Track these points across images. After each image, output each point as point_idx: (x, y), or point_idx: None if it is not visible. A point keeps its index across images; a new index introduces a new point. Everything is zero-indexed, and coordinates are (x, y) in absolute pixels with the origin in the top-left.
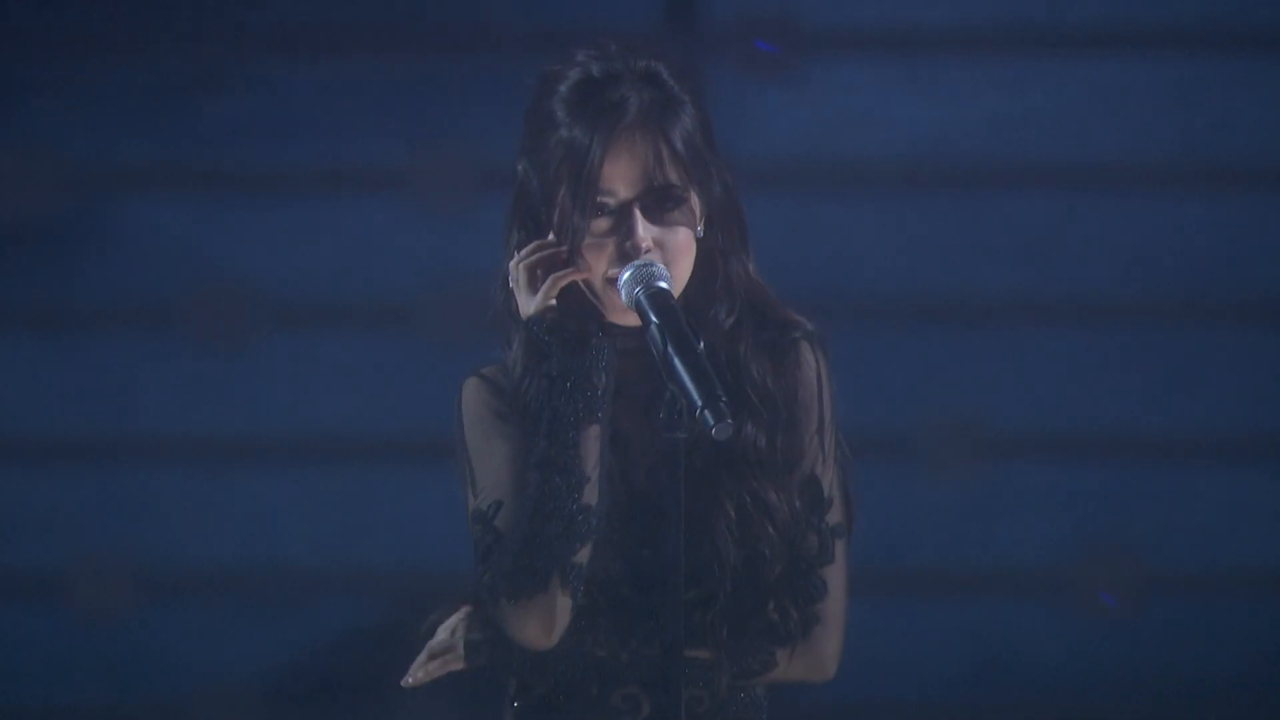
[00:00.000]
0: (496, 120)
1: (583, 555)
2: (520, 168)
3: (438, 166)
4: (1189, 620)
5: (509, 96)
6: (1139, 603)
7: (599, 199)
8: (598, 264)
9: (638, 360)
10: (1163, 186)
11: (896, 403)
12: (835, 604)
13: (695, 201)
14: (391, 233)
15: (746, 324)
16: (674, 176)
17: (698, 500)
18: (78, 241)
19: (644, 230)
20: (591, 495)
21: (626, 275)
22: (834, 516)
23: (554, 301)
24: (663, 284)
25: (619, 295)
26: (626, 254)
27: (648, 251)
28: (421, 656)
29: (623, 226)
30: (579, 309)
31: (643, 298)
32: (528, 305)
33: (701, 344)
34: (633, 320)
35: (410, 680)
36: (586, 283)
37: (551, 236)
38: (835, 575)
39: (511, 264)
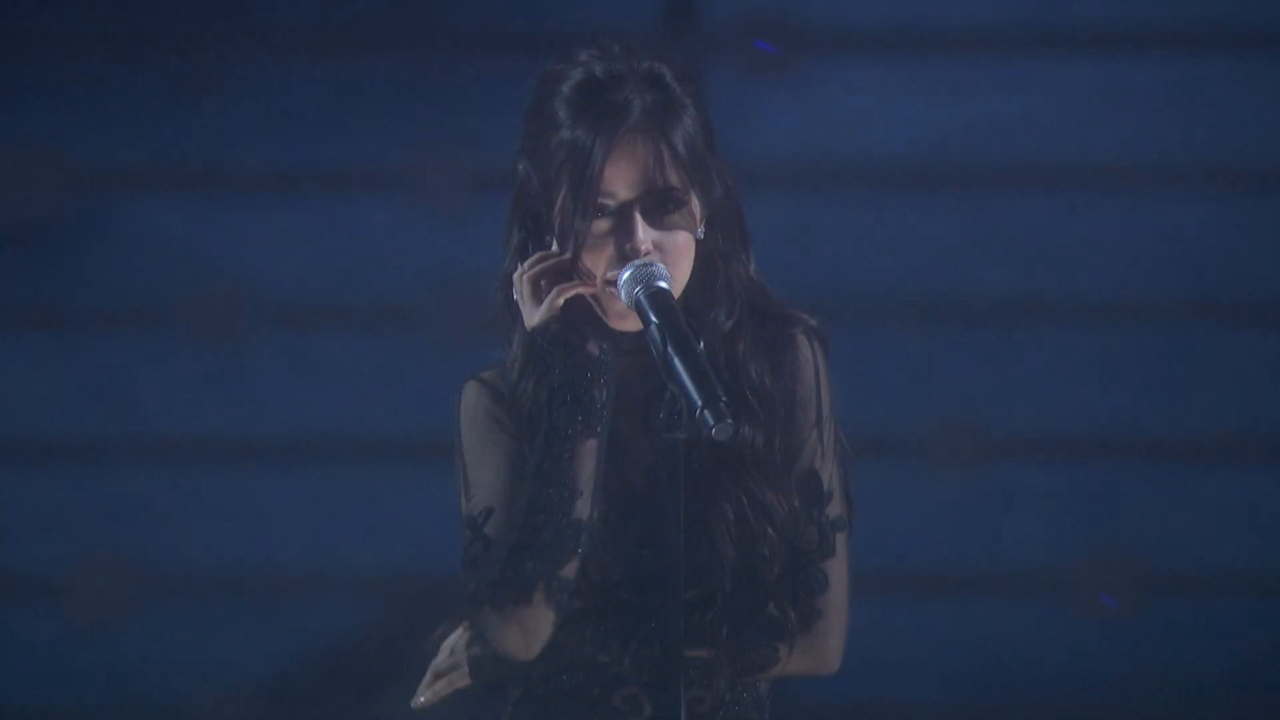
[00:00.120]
0: (496, 120)
1: (570, 569)
2: (521, 167)
3: (438, 167)
4: (1189, 621)
5: (509, 96)
6: (1138, 603)
7: (599, 200)
8: (596, 265)
9: (637, 361)
10: (1163, 186)
11: (896, 403)
12: (837, 597)
13: (695, 204)
14: (391, 233)
15: (746, 325)
16: (675, 179)
17: (696, 502)
18: (78, 241)
19: (643, 233)
20: (583, 510)
21: (626, 275)
22: (834, 509)
23: (558, 313)
24: (662, 284)
25: (619, 295)
26: (625, 256)
27: (647, 254)
28: (427, 677)
29: (622, 228)
30: (583, 321)
31: (642, 297)
32: (532, 316)
33: (701, 344)
34: (633, 326)
35: (420, 701)
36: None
37: (551, 238)
38: (837, 568)
39: (515, 275)
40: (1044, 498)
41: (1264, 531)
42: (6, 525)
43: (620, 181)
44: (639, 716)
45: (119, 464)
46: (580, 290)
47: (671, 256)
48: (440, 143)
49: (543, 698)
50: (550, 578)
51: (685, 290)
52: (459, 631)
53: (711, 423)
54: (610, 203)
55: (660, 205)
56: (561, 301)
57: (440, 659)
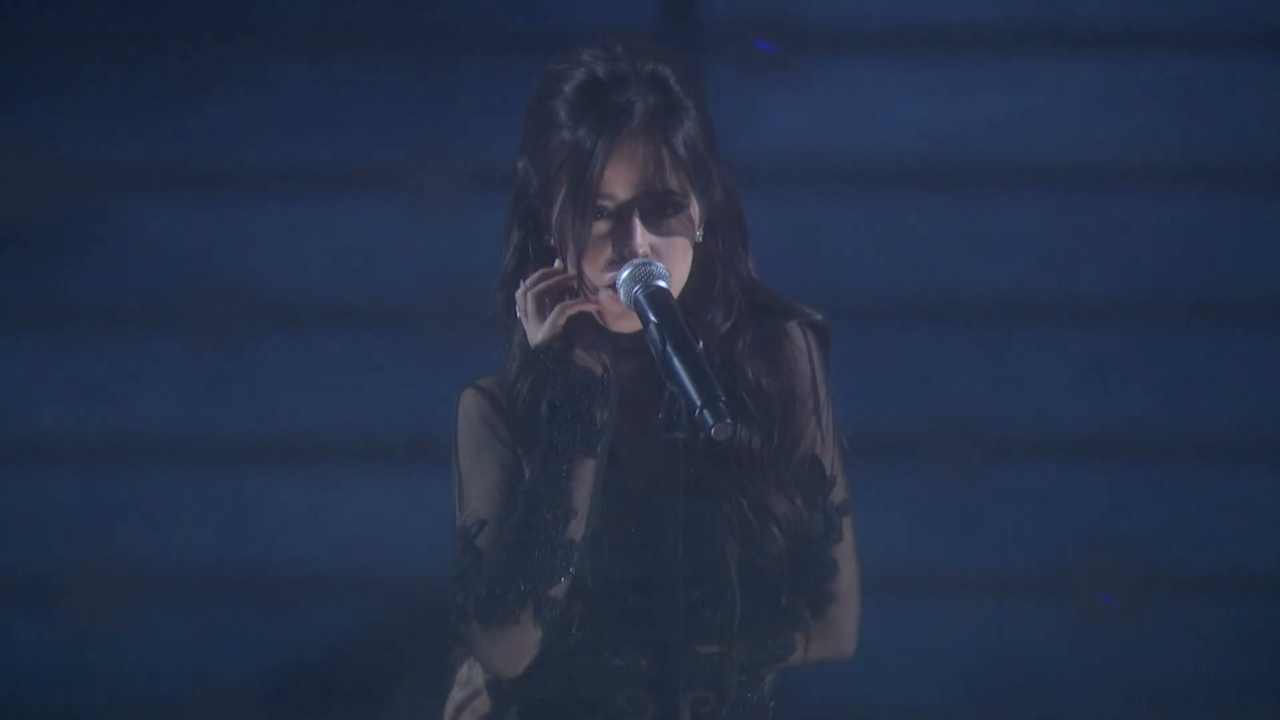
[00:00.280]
0: (496, 120)
1: (560, 589)
2: (520, 166)
3: (438, 167)
4: (1190, 621)
5: (509, 96)
6: (1139, 603)
7: (599, 202)
8: (593, 266)
9: (636, 361)
10: (1163, 186)
11: (895, 403)
12: (848, 580)
13: (695, 208)
14: (391, 233)
15: (745, 326)
16: (674, 183)
17: (698, 506)
18: (77, 241)
19: (641, 236)
20: (577, 531)
21: (625, 274)
22: (838, 494)
23: (561, 330)
24: (661, 283)
25: (617, 295)
26: (623, 258)
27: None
28: (448, 715)
29: (620, 230)
30: (586, 334)
31: (641, 297)
32: (535, 334)
33: (700, 343)
34: (632, 327)
35: None
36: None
37: (550, 238)
38: (845, 552)
39: (518, 293)
40: (1044, 498)
41: (1265, 531)
42: (4, 525)
43: (620, 183)
44: (643, 717)
45: (118, 464)
46: (584, 307)
47: (668, 260)
48: (440, 143)
49: (547, 699)
50: (540, 598)
51: (683, 293)
52: (469, 663)
53: (710, 422)
54: (609, 204)
55: (659, 208)
56: (565, 318)
57: (456, 693)
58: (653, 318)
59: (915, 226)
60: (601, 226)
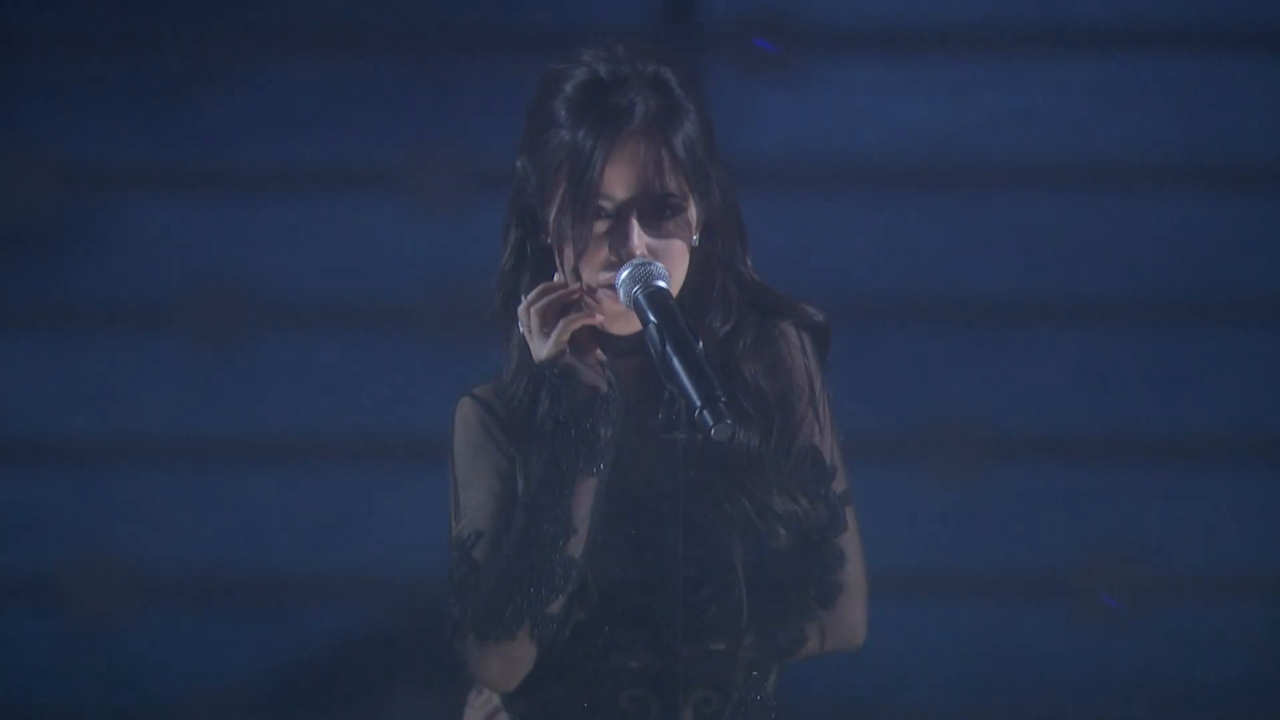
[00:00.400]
0: (496, 120)
1: (557, 606)
2: (519, 164)
3: (438, 166)
4: (1191, 622)
5: (509, 96)
6: (1140, 604)
7: (597, 202)
8: (589, 267)
9: (635, 361)
10: (1163, 186)
11: (895, 403)
12: (855, 570)
13: (693, 211)
14: (391, 233)
15: (744, 329)
16: (674, 185)
17: (701, 508)
18: (76, 241)
19: (638, 238)
20: (576, 548)
21: (625, 274)
22: (840, 484)
23: (566, 346)
24: (661, 283)
25: (616, 296)
26: (620, 260)
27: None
28: None
29: (618, 231)
30: (592, 356)
31: (641, 297)
32: (540, 350)
33: (700, 343)
34: (629, 328)
35: None
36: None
37: (547, 238)
38: (850, 541)
39: (520, 309)
40: (1044, 498)
41: (1267, 532)
42: (2, 526)
43: (619, 184)
44: (646, 718)
45: (116, 465)
46: (588, 321)
47: (665, 262)
48: (440, 143)
49: (550, 700)
50: (537, 615)
51: (681, 297)
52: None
53: (711, 423)
54: (608, 205)
55: (657, 210)
56: (569, 334)
57: (472, 713)
58: (652, 318)
59: (915, 226)
60: (599, 227)
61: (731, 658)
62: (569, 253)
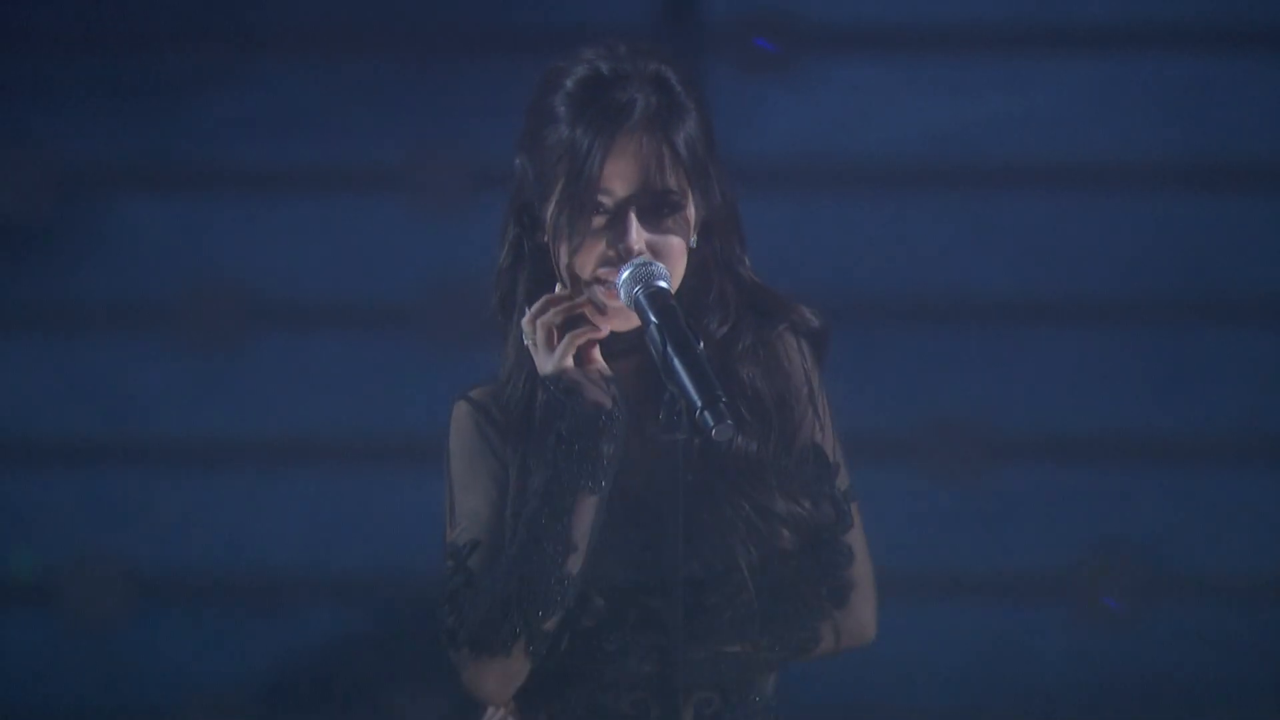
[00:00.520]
0: (496, 120)
1: (553, 623)
2: (518, 162)
3: (438, 167)
4: (1193, 623)
5: (509, 96)
6: (1142, 605)
7: (597, 198)
8: (586, 262)
9: (634, 360)
10: (1163, 186)
11: (896, 403)
12: (863, 566)
13: (692, 210)
14: (391, 233)
15: (742, 331)
16: (674, 182)
17: (705, 510)
18: (74, 241)
19: (637, 234)
20: (575, 565)
21: (625, 274)
22: (843, 481)
23: (571, 362)
24: (662, 283)
25: (617, 295)
26: (619, 256)
27: (639, 255)
28: None
29: (616, 227)
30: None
31: (642, 297)
32: (545, 364)
33: (701, 344)
34: (625, 325)
35: None
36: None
37: (544, 235)
38: (857, 538)
39: (524, 321)
40: (1044, 498)
41: (1268, 532)
42: (3, 526)
43: (619, 180)
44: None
45: (115, 466)
46: (593, 335)
47: (664, 260)
48: (440, 143)
49: (550, 702)
50: (533, 631)
51: (677, 298)
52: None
53: (712, 424)
54: (607, 200)
55: (657, 207)
56: (575, 348)
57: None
58: (653, 318)
59: (915, 226)
60: (597, 222)
61: (747, 659)
62: (565, 248)
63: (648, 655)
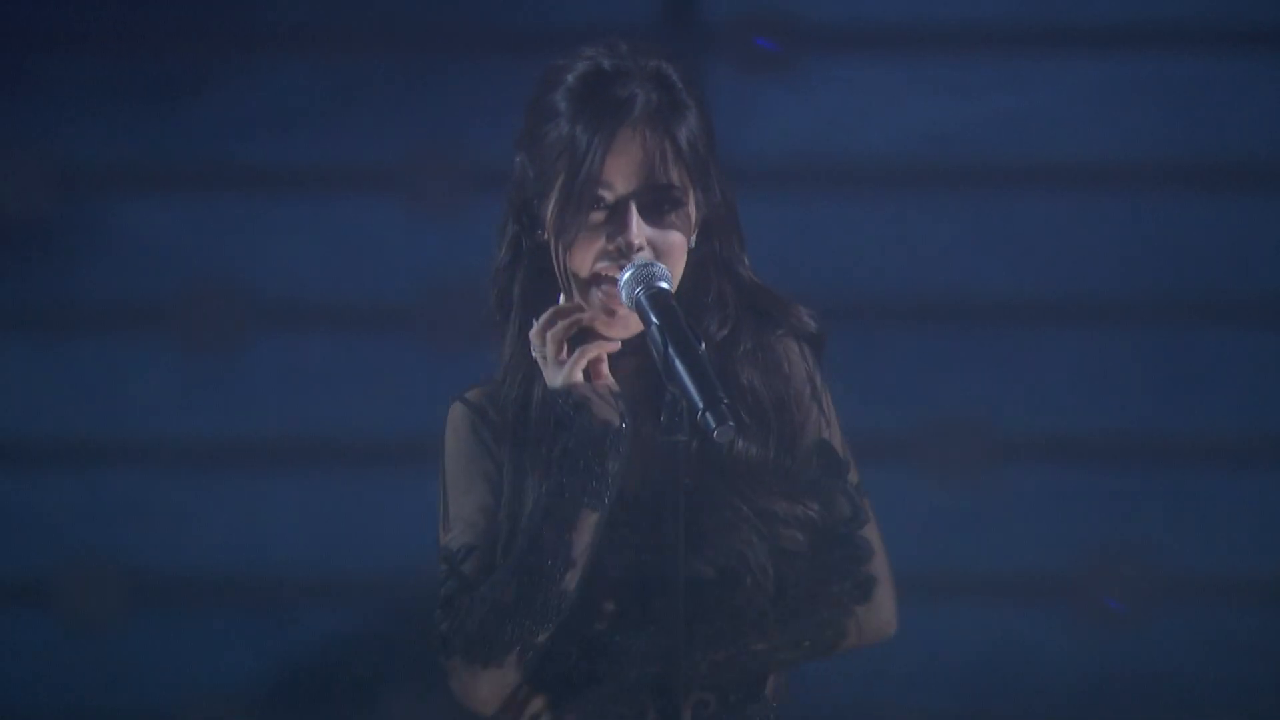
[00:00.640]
0: (496, 120)
1: (546, 636)
2: (518, 159)
3: (437, 167)
4: (1195, 624)
5: (509, 96)
6: (1145, 607)
7: (597, 192)
8: (585, 258)
9: (635, 361)
10: (1163, 186)
11: (897, 403)
12: (882, 559)
13: (692, 208)
14: (390, 233)
15: (742, 332)
16: (675, 178)
17: (705, 514)
18: (73, 241)
19: (637, 228)
20: (573, 581)
21: (627, 275)
22: (854, 477)
23: (581, 376)
24: (663, 284)
25: (618, 296)
26: (619, 251)
27: (639, 250)
28: None
29: (616, 222)
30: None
31: (643, 298)
32: (554, 378)
33: (703, 345)
34: (626, 333)
35: None
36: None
37: (544, 233)
38: (873, 531)
39: (533, 333)
40: (1046, 499)
41: (1268, 533)
42: (2, 526)
43: (619, 175)
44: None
45: (113, 466)
46: (604, 349)
47: (663, 256)
48: (439, 143)
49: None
50: (527, 644)
51: (676, 299)
52: None
53: (713, 425)
54: (608, 195)
55: (657, 203)
56: (584, 362)
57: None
58: (655, 319)
59: (916, 226)
60: (597, 217)
61: (765, 659)
62: (564, 243)
63: (651, 657)
